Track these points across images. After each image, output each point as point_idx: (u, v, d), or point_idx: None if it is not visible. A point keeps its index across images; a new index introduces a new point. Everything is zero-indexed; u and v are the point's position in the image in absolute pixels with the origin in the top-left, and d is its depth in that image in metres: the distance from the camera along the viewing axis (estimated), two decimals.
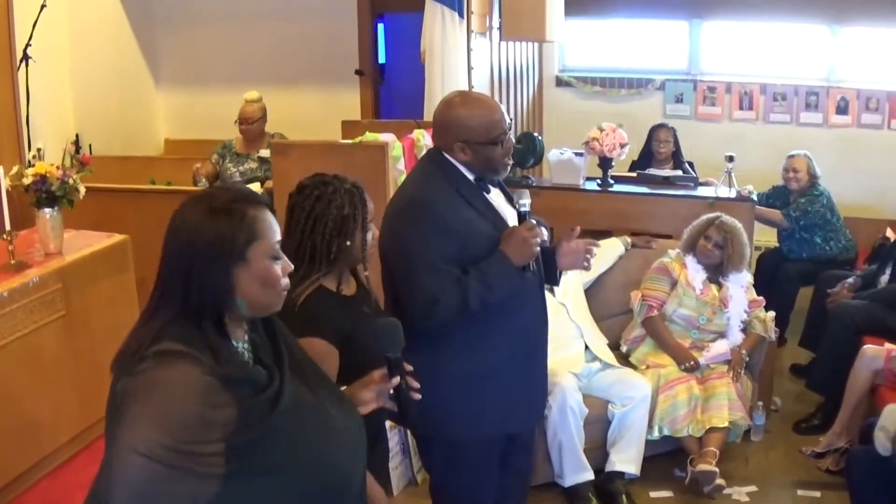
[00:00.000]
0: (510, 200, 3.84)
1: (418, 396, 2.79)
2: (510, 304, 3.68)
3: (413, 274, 3.57)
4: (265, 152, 7.68)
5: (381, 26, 9.93)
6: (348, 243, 3.23)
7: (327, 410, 2.53)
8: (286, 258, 2.47)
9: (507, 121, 3.69)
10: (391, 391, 2.76)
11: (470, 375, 3.74)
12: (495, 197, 3.79)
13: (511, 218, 3.75)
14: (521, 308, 3.77)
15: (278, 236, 2.42)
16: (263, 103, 7.88)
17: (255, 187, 7.57)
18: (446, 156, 3.69)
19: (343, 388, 2.80)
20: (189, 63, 9.59)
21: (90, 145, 8.37)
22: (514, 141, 3.75)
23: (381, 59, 10.10)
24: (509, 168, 3.79)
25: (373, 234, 3.37)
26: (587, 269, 4.03)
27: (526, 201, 3.66)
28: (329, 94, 9.34)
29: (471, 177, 3.70)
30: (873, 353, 5.81)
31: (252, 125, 7.75)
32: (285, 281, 2.45)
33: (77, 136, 8.32)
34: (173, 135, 9.67)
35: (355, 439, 2.62)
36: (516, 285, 3.64)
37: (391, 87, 10.00)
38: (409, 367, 2.78)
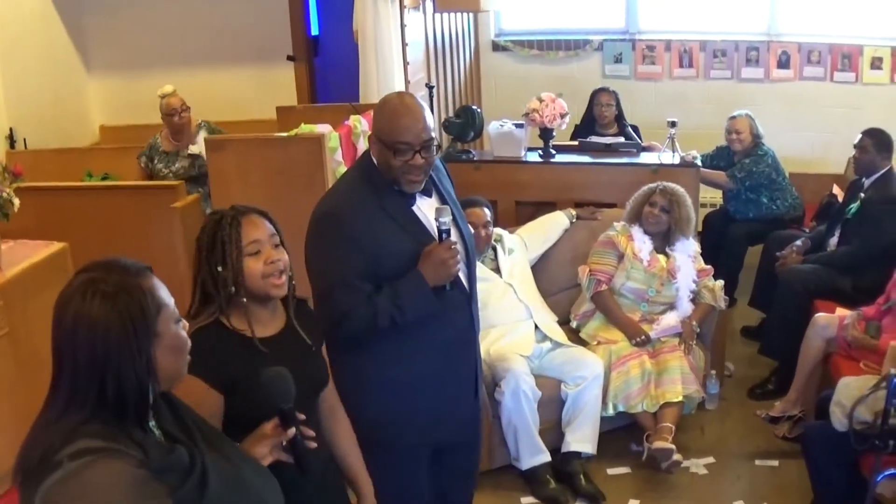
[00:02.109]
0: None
1: (314, 445, 2.74)
2: (431, 320, 3.59)
3: (323, 288, 3.51)
4: (195, 148, 7.56)
5: None
6: (219, 269, 2.97)
7: (245, 475, 2.43)
8: (183, 318, 2.34)
9: (421, 139, 3.46)
10: (284, 443, 2.68)
11: (389, 382, 3.68)
12: (425, 207, 3.65)
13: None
14: (443, 325, 3.67)
15: (172, 298, 2.29)
16: (179, 95, 7.76)
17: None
18: (372, 158, 3.58)
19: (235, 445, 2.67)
20: (120, 47, 9.34)
21: (24, 139, 8.19)
22: (422, 161, 3.48)
23: (314, 31, 9.90)
24: (416, 189, 3.60)
25: (274, 259, 3.03)
26: None
27: (446, 219, 3.52)
28: (263, 71, 9.16)
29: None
30: (825, 321, 5.80)
31: (182, 116, 7.63)
32: (188, 342, 2.34)
33: (11, 129, 8.12)
34: (108, 121, 9.45)
35: (273, 493, 2.54)
36: (432, 306, 3.55)
37: (325, 61, 9.84)
38: (302, 417, 2.70)
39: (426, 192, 3.65)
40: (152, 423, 2.28)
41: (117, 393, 2.12)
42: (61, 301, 2.18)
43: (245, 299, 3.00)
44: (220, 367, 2.87)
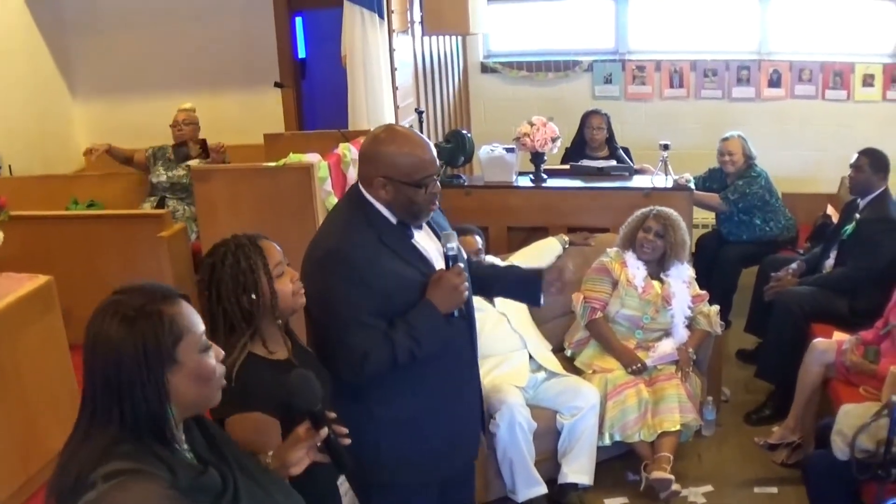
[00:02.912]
0: (437, 235, 3.65)
1: (348, 441, 2.73)
2: (436, 351, 3.53)
3: (339, 330, 3.40)
4: (195, 162, 7.65)
5: (298, 20, 9.67)
6: (253, 297, 2.99)
7: (277, 499, 2.48)
8: (215, 345, 2.35)
9: (437, 167, 3.46)
10: (320, 444, 2.68)
11: (396, 421, 3.60)
12: (421, 239, 3.58)
13: (438, 258, 3.57)
14: (446, 353, 3.60)
15: (202, 326, 2.31)
16: (196, 115, 8.00)
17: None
18: (367, 196, 3.48)
19: (270, 452, 2.71)
20: (105, 71, 9.29)
21: (10, 166, 8.12)
22: (440, 187, 3.49)
23: (301, 54, 9.84)
24: (431, 215, 3.57)
25: (290, 278, 3.12)
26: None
27: (453, 244, 3.47)
28: (249, 95, 9.11)
29: (393, 220, 3.48)
30: (824, 346, 5.75)
31: (182, 129, 7.94)
32: (221, 369, 2.34)
33: None
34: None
35: None
36: (446, 334, 3.49)
37: (312, 84, 9.77)
38: (333, 415, 2.69)
39: (418, 225, 3.59)
40: (185, 446, 2.32)
41: (135, 415, 2.16)
42: (90, 320, 2.22)
43: (279, 321, 3.11)
44: (275, 397, 2.88)
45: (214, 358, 2.32)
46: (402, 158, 3.38)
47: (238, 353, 2.98)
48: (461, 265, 3.49)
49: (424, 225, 3.61)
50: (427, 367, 3.54)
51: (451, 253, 3.47)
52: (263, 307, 3.00)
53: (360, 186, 3.51)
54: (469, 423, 3.90)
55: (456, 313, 3.49)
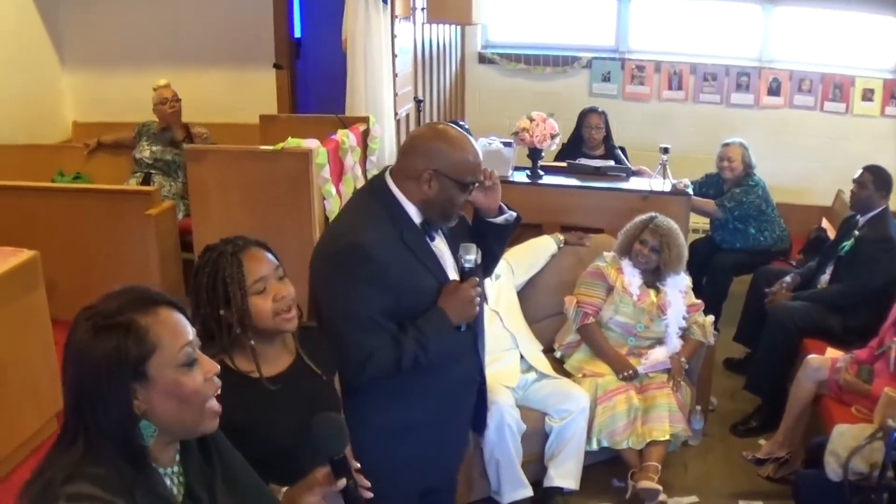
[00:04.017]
0: (450, 244, 3.59)
1: (370, 495, 2.59)
2: (441, 362, 3.46)
3: (347, 327, 3.31)
4: (178, 133, 7.64)
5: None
6: (221, 312, 2.85)
7: None
8: (206, 358, 2.18)
9: (481, 177, 3.44)
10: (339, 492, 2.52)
11: (389, 430, 3.55)
12: (439, 244, 3.52)
13: (451, 267, 3.52)
14: (452, 366, 3.56)
15: (187, 337, 2.12)
16: (172, 88, 7.94)
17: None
18: (395, 192, 3.40)
19: (284, 489, 2.58)
20: (96, 42, 9.16)
21: None
22: (476, 196, 3.49)
23: (297, 33, 9.75)
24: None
25: (283, 294, 2.94)
26: (496, 185, 3.63)
27: (471, 256, 3.40)
28: (242, 73, 9.01)
29: (417, 220, 3.41)
30: (818, 363, 5.70)
31: (172, 105, 7.93)
32: (211, 388, 2.17)
33: None
34: (82, 117, 9.25)
35: None
36: (454, 345, 3.45)
37: (307, 65, 9.68)
38: (357, 465, 2.57)
39: (441, 228, 3.55)
40: (172, 470, 2.18)
41: (98, 431, 2.00)
42: (71, 325, 2.09)
43: (252, 341, 2.89)
44: (226, 413, 2.68)
45: (202, 375, 2.15)
46: (456, 155, 3.35)
47: None
48: (476, 279, 3.44)
49: (439, 231, 3.56)
50: (429, 379, 3.49)
51: (467, 265, 3.41)
52: (231, 323, 2.86)
53: (389, 180, 3.44)
54: (458, 437, 3.90)
55: (463, 327, 3.44)
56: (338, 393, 3.21)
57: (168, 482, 2.15)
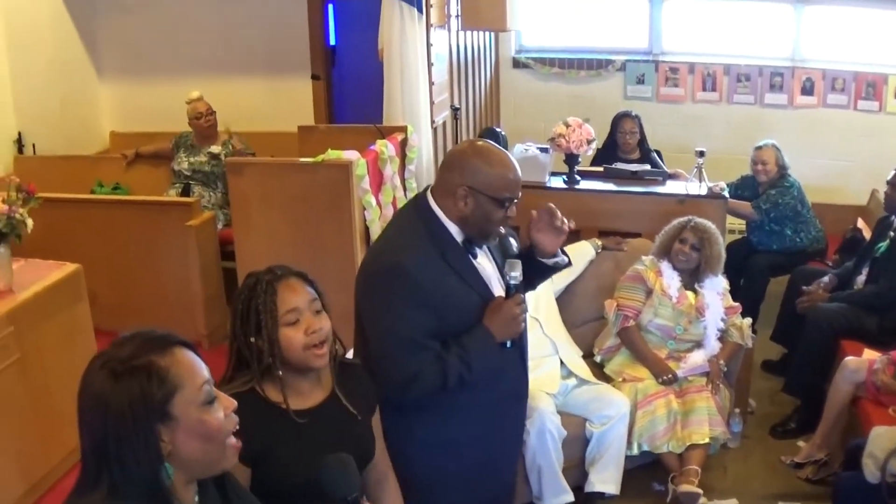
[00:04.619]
0: (495, 259, 3.61)
1: None
2: (486, 378, 3.47)
3: (389, 347, 3.34)
4: (216, 148, 7.68)
5: (330, 7, 9.63)
6: (252, 340, 2.85)
7: None
8: (224, 395, 2.19)
9: (520, 190, 3.42)
10: None
11: (436, 445, 3.56)
12: (482, 260, 3.53)
13: (496, 283, 3.53)
14: (497, 383, 3.56)
15: (205, 374, 2.13)
16: (206, 101, 8.00)
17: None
18: (435, 210, 3.42)
19: None
20: (132, 52, 9.28)
21: (34, 144, 8.11)
22: (514, 212, 3.45)
23: (332, 41, 9.80)
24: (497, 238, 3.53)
25: (316, 328, 2.91)
26: (565, 231, 3.65)
27: (516, 273, 3.38)
28: (277, 81, 9.11)
29: (459, 238, 3.43)
30: (855, 365, 5.69)
31: (208, 119, 7.96)
32: (231, 423, 2.18)
33: (20, 134, 8.02)
34: (119, 128, 9.36)
35: None
36: (498, 362, 3.45)
37: (342, 73, 9.73)
38: None
39: (482, 246, 3.54)
40: None
41: (122, 476, 1.99)
42: (83, 374, 2.08)
43: (280, 372, 2.87)
44: (249, 440, 2.64)
45: (223, 411, 2.15)
46: (492, 172, 3.34)
47: (239, 385, 2.87)
48: (521, 295, 3.43)
49: (485, 247, 3.56)
50: (475, 395, 3.49)
51: (513, 282, 3.39)
52: (261, 352, 2.85)
53: (430, 197, 3.46)
54: (509, 451, 3.90)
55: (509, 344, 3.44)
56: (372, 434, 3.18)
57: None
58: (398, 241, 3.48)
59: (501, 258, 3.60)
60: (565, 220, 3.61)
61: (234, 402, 2.19)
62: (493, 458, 3.73)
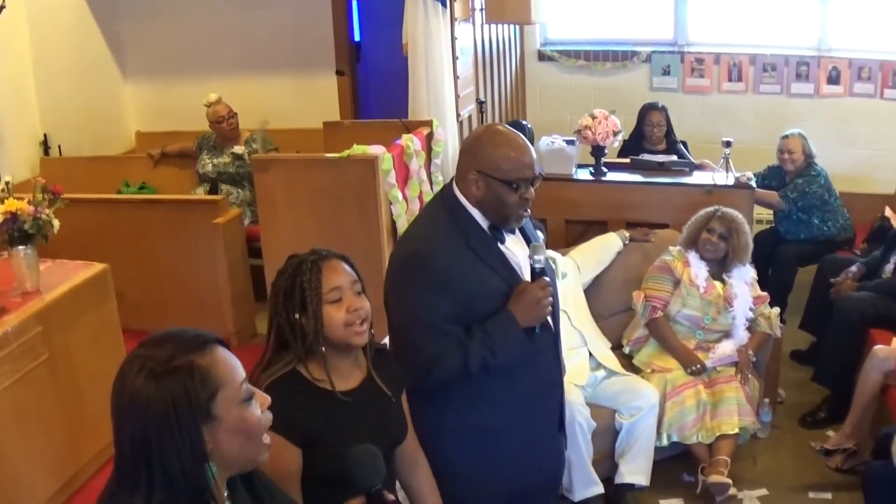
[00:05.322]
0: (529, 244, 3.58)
1: None
2: (517, 364, 3.46)
3: (411, 333, 3.37)
4: (239, 149, 7.70)
5: (354, 2, 9.65)
6: (297, 316, 2.89)
7: None
8: (259, 392, 2.19)
9: (535, 172, 3.37)
10: None
11: (471, 431, 3.55)
12: (511, 245, 3.51)
13: (526, 267, 3.49)
14: (529, 369, 3.54)
15: (242, 372, 2.13)
16: (225, 103, 7.99)
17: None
18: (459, 198, 3.42)
19: None
20: (157, 53, 9.33)
21: (59, 146, 8.17)
22: (533, 195, 3.40)
23: (356, 37, 9.82)
24: (522, 223, 3.50)
25: (357, 307, 2.97)
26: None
27: (541, 257, 3.38)
28: (303, 78, 9.13)
29: (484, 224, 3.42)
30: (885, 353, 5.67)
31: (229, 122, 7.90)
32: (267, 419, 2.19)
33: (45, 136, 8.08)
34: (145, 127, 9.42)
35: None
36: (523, 347, 3.41)
37: (367, 69, 9.75)
38: (391, 497, 2.60)
39: (510, 231, 3.52)
40: None
41: (166, 480, 1.98)
42: (116, 377, 2.05)
43: (324, 348, 2.92)
44: (299, 422, 2.78)
45: (259, 408, 2.16)
46: (500, 154, 3.32)
47: (281, 367, 2.92)
48: (547, 279, 3.40)
49: (517, 231, 3.55)
50: (507, 380, 3.48)
51: (537, 266, 3.38)
52: (305, 329, 2.91)
53: (454, 185, 3.47)
54: (548, 439, 3.82)
55: (538, 328, 3.41)
56: (405, 414, 3.24)
57: None
58: (422, 230, 3.51)
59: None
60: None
61: (268, 398, 2.20)
62: (529, 446, 3.68)
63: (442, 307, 3.30)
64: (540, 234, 3.68)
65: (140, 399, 1.97)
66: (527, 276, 3.45)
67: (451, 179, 3.54)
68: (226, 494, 2.19)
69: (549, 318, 3.53)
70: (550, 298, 3.40)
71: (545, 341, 3.56)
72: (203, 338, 2.10)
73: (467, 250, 3.36)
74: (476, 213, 3.41)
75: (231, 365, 2.11)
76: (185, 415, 1.98)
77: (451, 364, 3.32)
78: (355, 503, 2.55)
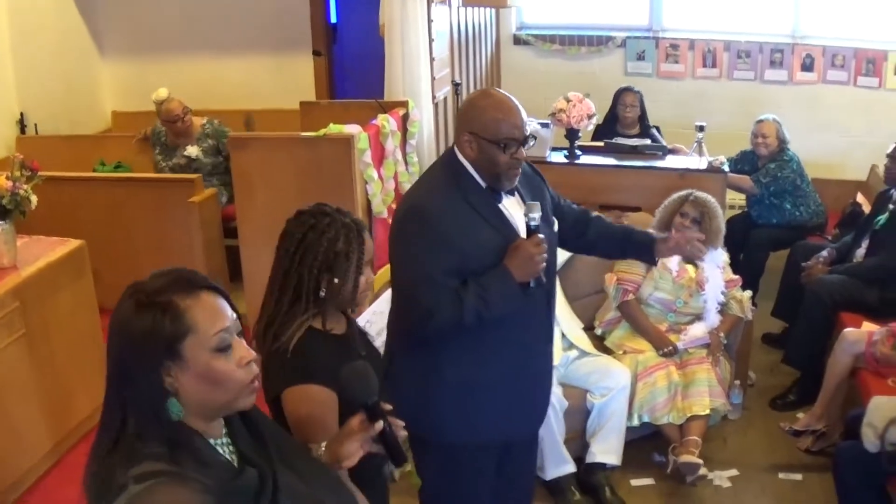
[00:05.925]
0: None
1: (405, 433, 2.68)
2: (511, 318, 3.54)
3: (409, 285, 3.49)
4: (192, 150, 7.55)
5: None
6: (336, 281, 3.00)
7: (318, 496, 2.37)
8: (243, 345, 2.21)
9: (524, 133, 3.46)
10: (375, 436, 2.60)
11: (464, 382, 3.64)
12: (510, 205, 3.60)
13: (524, 228, 3.57)
14: (522, 323, 3.63)
15: (224, 322, 2.15)
16: (178, 99, 7.78)
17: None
18: (459, 157, 3.54)
19: (323, 444, 2.65)
20: (135, 32, 9.31)
21: (35, 124, 8.13)
22: (525, 155, 3.51)
23: (333, 18, 9.82)
24: (514, 183, 3.59)
25: (366, 278, 3.12)
26: (699, 256, 4.04)
27: (536, 214, 3.44)
28: (279, 59, 9.16)
29: (483, 184, 3.53)
30: (854, 336, 5.72)
31: (184, 121, 7.74)
32: (245, 374, 2.19)
33: (22, 114, 8.05)
34: (121, 107, 9.39)
35: None
36: (517, 301, 3.48)
37: (343, 50, 9.76)
38: (388, 407, 2.63)
39: (510, 191, 3.61)
40: (222, 441, 2.23)
41: (134, 408, 2.05)
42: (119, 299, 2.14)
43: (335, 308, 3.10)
44: (330, 369, 2.83)
45: (236, 362, 2.16)
46: (489, 116, 3.45)
47: (297, 329, 2.98)
48: (541, 236, 3.46)
49: (516, 193, 3.64)
50: (501, 333, 3.58)
51: (532, 223, 3.45)
52: (341, 295, 3.03)
53: (455, 147, 3.58)
54: (538, 391, 3.94)
55: (533, 284, 3.48)
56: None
57: (221, 451, 2.20)
58: (423, 187, 3.66)
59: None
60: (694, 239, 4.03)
61: (254, 354, 2.22)
62: (521, 399, 3.81)
63: (440, 260, 3.40)
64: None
65: (121, 323, 2.08)
66: (524, 235, 3.52)
67: (454, 143, 3.64)
68: (224, 431, 2.25)
69: (543, 275, 3.57)
70: (545, 255, 3.45)
71: (539, 297, 3.64)
72: (197, 282, 2.16)
73: (465, 205, 3.48)
74: (475, 173, 3.52)
75: (213, 312, 2.14)
76: (150, 348, 2.05)
77: (446, 315, 3.40)
78: (355, 421, 2.60)
